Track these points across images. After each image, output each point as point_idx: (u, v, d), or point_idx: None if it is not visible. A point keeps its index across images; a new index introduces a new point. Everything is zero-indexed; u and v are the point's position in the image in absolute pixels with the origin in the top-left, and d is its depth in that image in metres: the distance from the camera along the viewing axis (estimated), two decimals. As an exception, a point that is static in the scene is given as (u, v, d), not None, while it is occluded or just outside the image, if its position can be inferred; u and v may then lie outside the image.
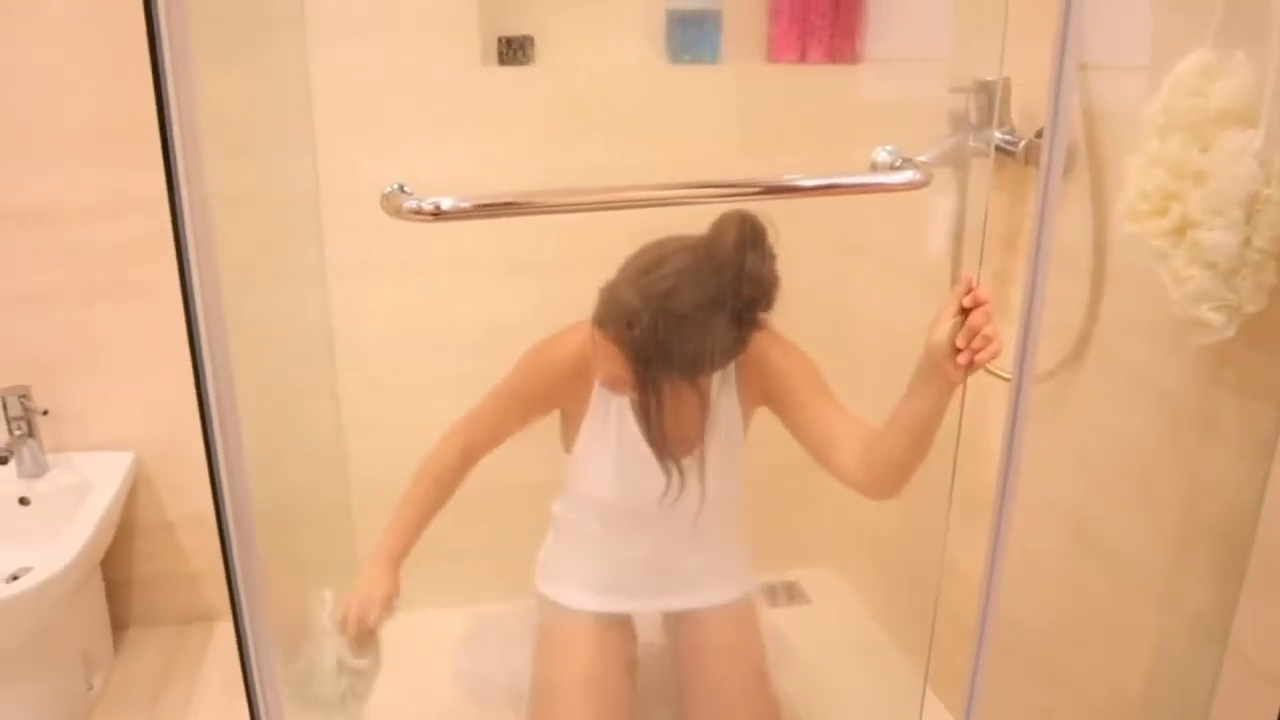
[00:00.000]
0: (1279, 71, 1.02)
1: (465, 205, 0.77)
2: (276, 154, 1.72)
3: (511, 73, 1.83)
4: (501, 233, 1.79)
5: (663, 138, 1.76)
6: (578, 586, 1.56)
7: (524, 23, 1.82)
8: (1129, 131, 1.20)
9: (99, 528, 1.65)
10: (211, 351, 0.83)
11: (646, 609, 1.60)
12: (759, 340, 1.37)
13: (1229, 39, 1.07)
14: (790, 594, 2.13)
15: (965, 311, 1.08)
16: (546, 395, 1.46)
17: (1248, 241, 1.06)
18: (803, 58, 1.89)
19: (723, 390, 1.42)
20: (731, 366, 1.40)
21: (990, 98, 1.47)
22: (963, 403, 1.13)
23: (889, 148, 1.12)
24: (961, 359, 1.07)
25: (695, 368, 1.32)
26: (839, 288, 1.86)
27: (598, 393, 1.42)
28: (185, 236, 0.80)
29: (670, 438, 1.37)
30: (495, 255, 1.81)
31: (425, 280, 1.84)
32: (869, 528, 2.08)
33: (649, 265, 1.26)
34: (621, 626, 1.57)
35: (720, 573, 1.59)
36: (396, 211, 0.80)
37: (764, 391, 1.42)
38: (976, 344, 1.06)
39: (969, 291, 1.08)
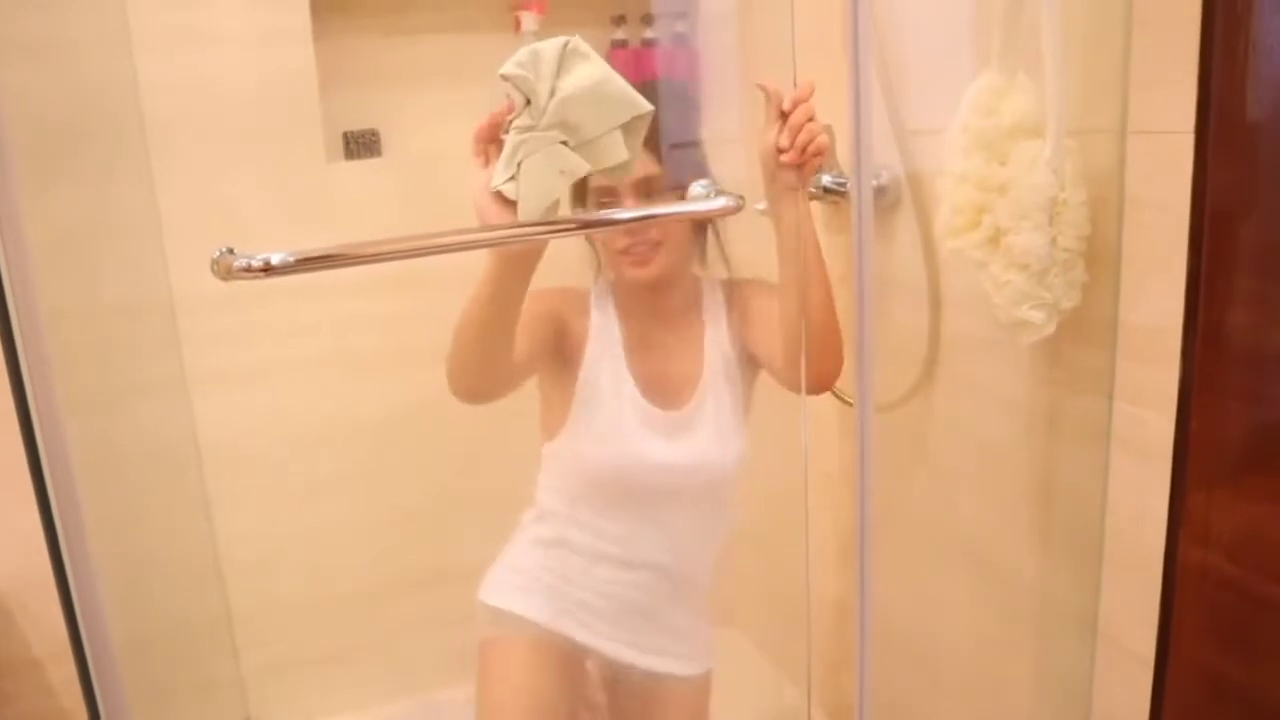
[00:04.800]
0: (1055, 87, 1.12)
1: (291, 260, 0.77)
2: (123, 268, 1.69)
3: (359, 166, 1.86)
4: (356, 324, 1.81)
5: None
6: (531, 596, 1.42)
7: (367, 117, 1.86)
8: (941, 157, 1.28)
9: (-50, 673, 1.54)
10: (54, 477, 0.79)
11: (600, 647, 1.42)
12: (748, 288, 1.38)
13: (1010, 62, 1.17)
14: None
15: (786, 116, 1.07)
16: (551, 305, 1.35)
17: (1054, 242, 1.14)
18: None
19: (714, 330, 1.38)
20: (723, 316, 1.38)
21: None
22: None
23: (704, 182, 1.18)
24: (788, 157, 1.06)
25: None
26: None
27: (595, 324, 1.37)
28: (19, 358, 0.77)
29: (654, 373, 1.35)
30: (352, 347, 1.82)
31: (288, 380, 1.82)
32: (759, 582, 2.09)
33: None
34: (571, 656, 1.42)
35: (688, 639, 1.47)
36: (228, 272, 0.80)
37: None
38: (802, 138, 1.05)
39: (784, 102, 1.06)
